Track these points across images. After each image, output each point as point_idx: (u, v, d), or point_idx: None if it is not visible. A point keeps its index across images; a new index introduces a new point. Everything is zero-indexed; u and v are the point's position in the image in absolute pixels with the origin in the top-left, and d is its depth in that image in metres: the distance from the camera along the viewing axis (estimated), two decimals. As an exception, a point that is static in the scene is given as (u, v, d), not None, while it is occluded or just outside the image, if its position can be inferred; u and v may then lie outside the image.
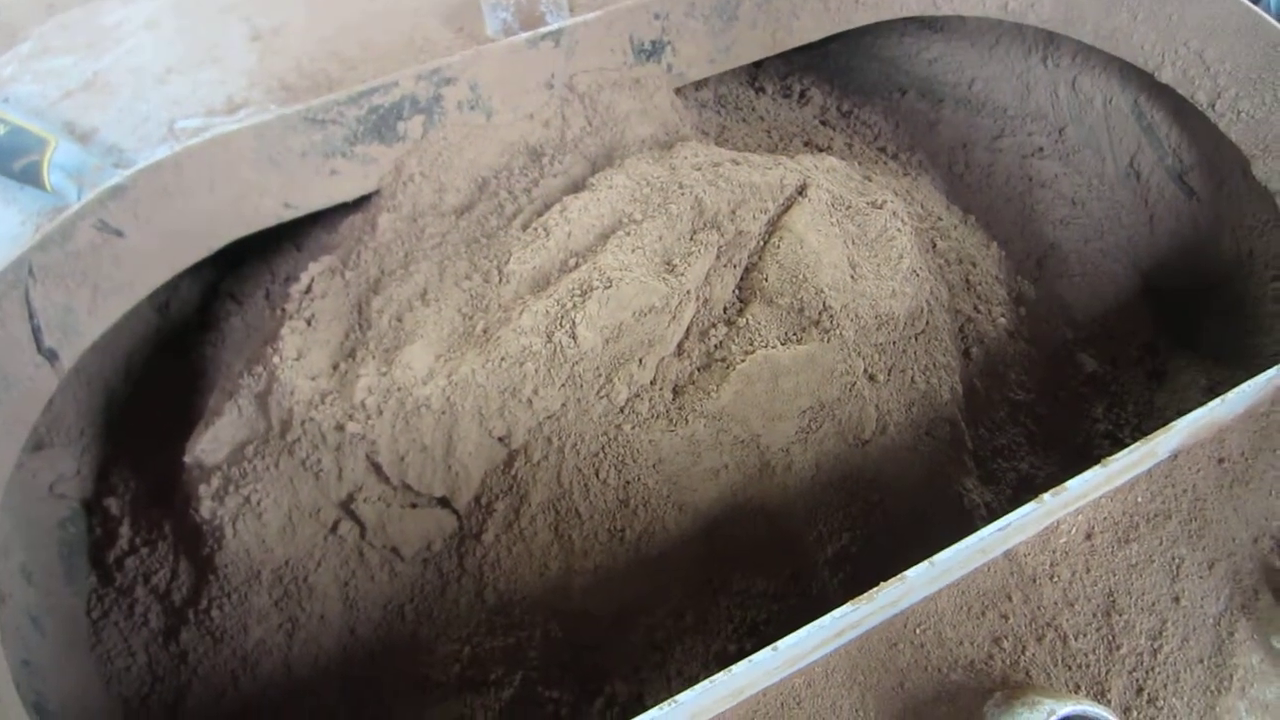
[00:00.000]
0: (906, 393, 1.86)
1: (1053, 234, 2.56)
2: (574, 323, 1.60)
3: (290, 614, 1.84)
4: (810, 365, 1.70)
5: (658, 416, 1.67)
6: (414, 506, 1.77)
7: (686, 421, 1.66)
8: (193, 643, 1.85)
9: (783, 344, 1.72)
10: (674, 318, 1.69)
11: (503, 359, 1.60)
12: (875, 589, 1.21)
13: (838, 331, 1.74)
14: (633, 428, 1.66)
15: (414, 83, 1.59)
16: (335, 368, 1.70)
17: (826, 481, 1.72)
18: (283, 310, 1.78)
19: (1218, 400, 1.48)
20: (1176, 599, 1.43)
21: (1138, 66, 2.06)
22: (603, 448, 1.66)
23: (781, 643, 1.13)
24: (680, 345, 1.74)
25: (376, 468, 1.70)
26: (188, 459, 1.89)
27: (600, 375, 1.67)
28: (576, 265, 1.67)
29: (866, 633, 1.36)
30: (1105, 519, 1.49)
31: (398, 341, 1.65)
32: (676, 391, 1.71)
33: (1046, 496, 1.31)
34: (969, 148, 2.79)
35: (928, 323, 1.94)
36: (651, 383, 1.71)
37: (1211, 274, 2.32)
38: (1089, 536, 1.48)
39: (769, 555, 1.71)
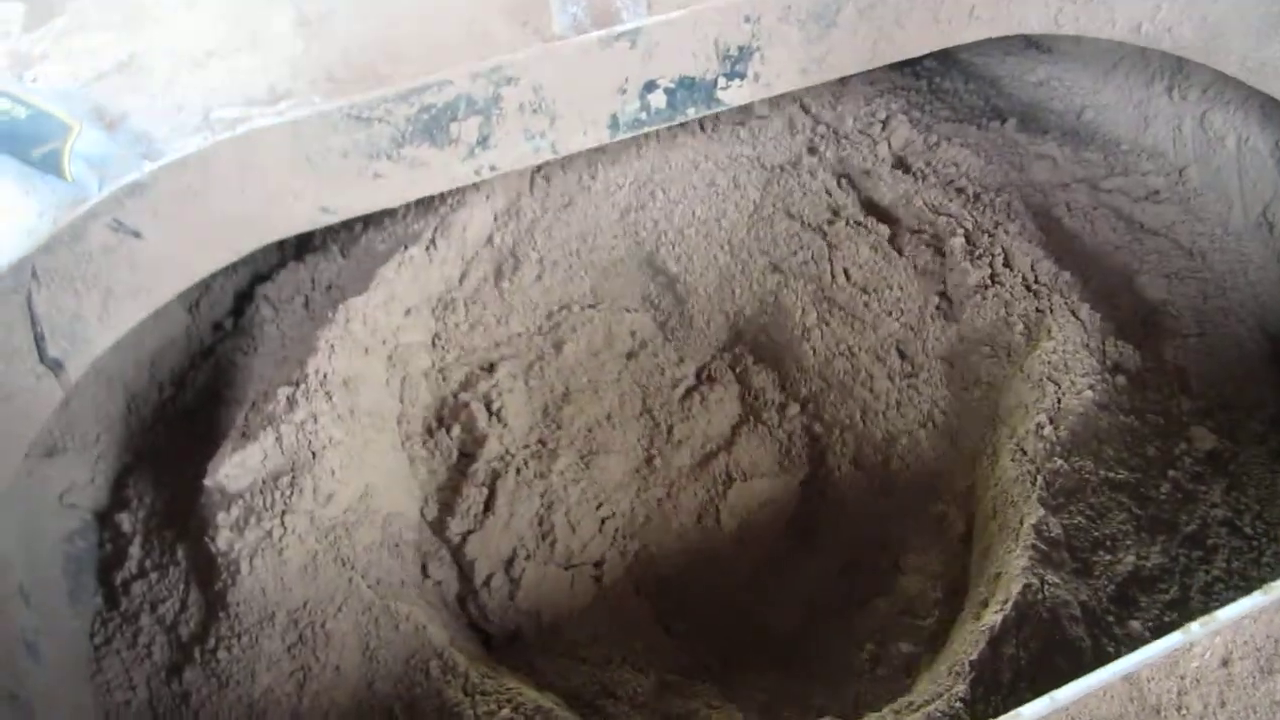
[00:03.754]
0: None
1: (1165, 289, 2.30)
2: (719, 510, 2.13)
3: (303, 662, 1.70)
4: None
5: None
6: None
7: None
8: (196, 684, 1.71)
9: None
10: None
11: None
12: (982, 725, 1.00)
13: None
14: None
15: (470, 81, 1.42)
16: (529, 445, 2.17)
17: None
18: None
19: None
20: (1332, 746, 1.19)
21: (1287, 105, 1.83)
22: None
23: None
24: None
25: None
26: (208, 482, 1.77)
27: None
28: (717, 450, 2.20)
29: (956, 759, 1.15)
30: (1246, 643, 1.25)
31: (591, 447, 2.18)
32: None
33: (1194, 626, 1.09)
34: (1071, 187, 2.54)
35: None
36: None
37: (1353, 341, 2.06)
38: (1226, 663, 1.24)
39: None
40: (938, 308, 2.21)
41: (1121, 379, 2.06)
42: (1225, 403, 2.10)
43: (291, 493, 1.76)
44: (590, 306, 2.39)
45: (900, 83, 2.86)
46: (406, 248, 2.22)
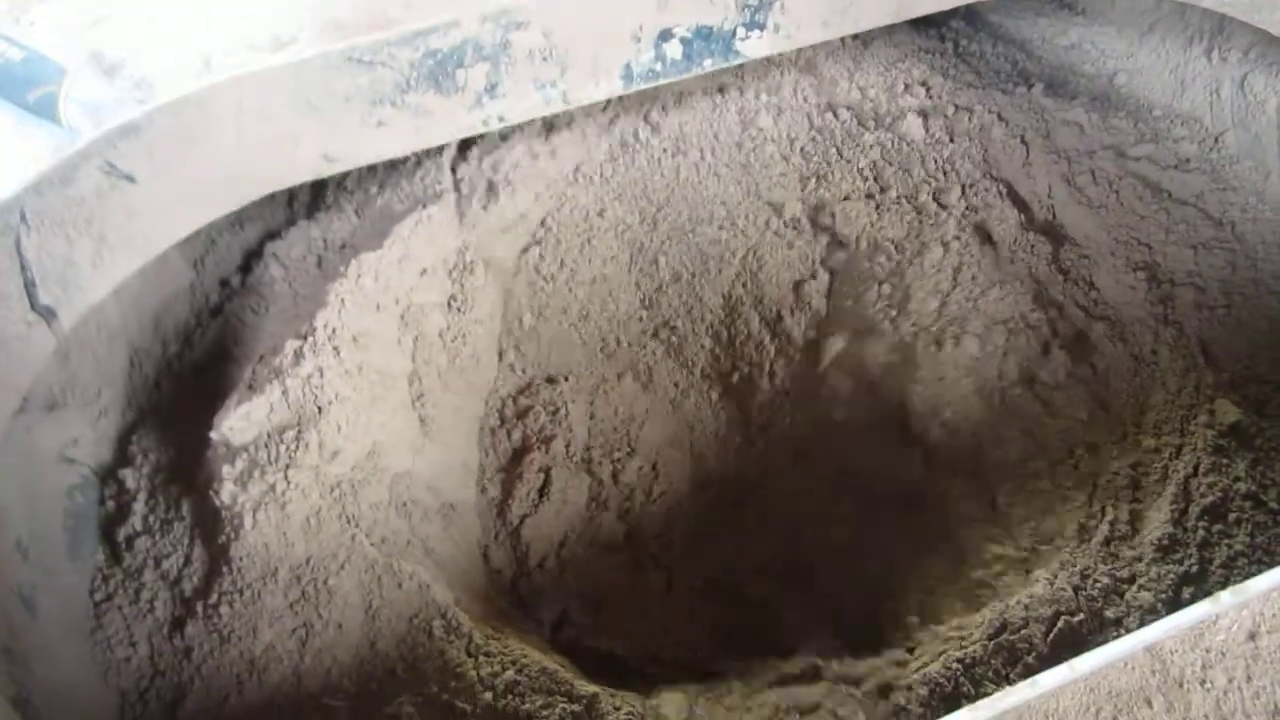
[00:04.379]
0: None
1: (1191, 260, 2.24)
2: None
3: (305, 619, 1.68)
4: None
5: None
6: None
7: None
8: (198, 639, 1.69)
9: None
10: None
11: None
12: (1000, 693, 0.95)
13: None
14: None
15: (478, 25, 1.37)
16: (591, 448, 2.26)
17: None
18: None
19: None
20: (1364, 726, 1.14)
21: (1332, 67, 1.75)
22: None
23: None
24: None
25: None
26: (214, 435, 1.76)
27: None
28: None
29: (968, 730, 1.11)
30: (1274, 617, 1.21)
31: (663, 459, 2.28)
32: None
33: (1224, 596, 1.05)
34: (1097, 155, 2.47)
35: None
36: None
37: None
38: (1252, 637, 1.20)
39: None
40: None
41: (1020, 390, 2.15)
42: (1253, 376, 2.04)
43: (296, 447, 1.74)
44: (646, 342, 2.48)
45: (925, 45, 2.78)
46: (425, 207, 2.20)
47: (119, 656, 1.72)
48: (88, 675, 1.68)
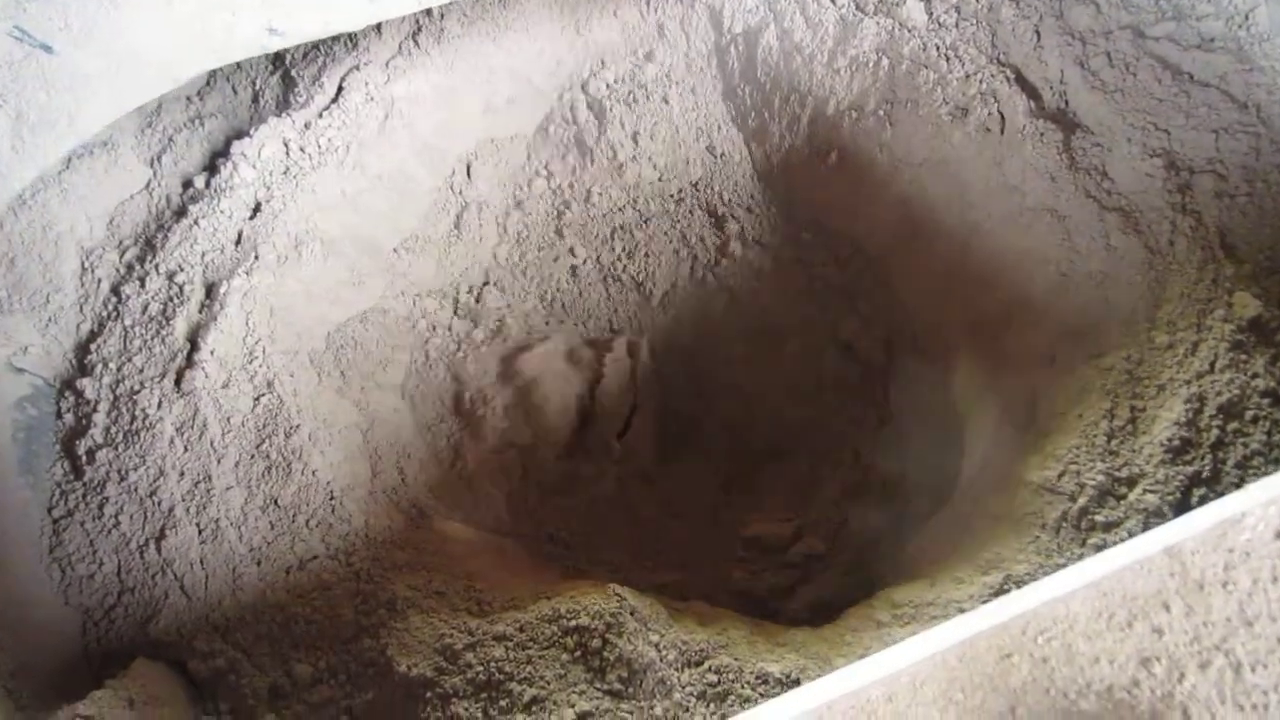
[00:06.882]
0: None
1: (1212, 146, 2.10)
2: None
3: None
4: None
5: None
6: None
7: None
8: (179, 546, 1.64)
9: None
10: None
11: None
12: (1000, 599, 0.87)
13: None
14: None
15: None
16: None
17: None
18: None
19: None
20: (1395, 627, 1.06)
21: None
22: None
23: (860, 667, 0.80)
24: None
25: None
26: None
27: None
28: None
29: (971, 638, 1.03)
30: (1304, 513, 1.12)
31: None
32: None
33: (1253, 489, 0.95)
34: (1113, 35, 2.31)
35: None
36: None
37: None
38: (1280, 535, 1.11)
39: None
40: None
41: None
42: (1276, 267, 1.93)
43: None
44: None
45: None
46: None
47: (80, 574, 1.66)
48: (45, 592, 1.63)
